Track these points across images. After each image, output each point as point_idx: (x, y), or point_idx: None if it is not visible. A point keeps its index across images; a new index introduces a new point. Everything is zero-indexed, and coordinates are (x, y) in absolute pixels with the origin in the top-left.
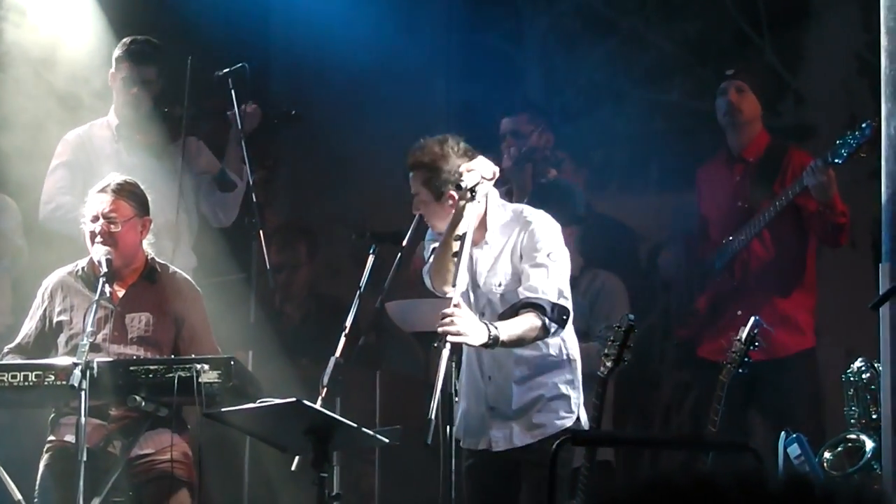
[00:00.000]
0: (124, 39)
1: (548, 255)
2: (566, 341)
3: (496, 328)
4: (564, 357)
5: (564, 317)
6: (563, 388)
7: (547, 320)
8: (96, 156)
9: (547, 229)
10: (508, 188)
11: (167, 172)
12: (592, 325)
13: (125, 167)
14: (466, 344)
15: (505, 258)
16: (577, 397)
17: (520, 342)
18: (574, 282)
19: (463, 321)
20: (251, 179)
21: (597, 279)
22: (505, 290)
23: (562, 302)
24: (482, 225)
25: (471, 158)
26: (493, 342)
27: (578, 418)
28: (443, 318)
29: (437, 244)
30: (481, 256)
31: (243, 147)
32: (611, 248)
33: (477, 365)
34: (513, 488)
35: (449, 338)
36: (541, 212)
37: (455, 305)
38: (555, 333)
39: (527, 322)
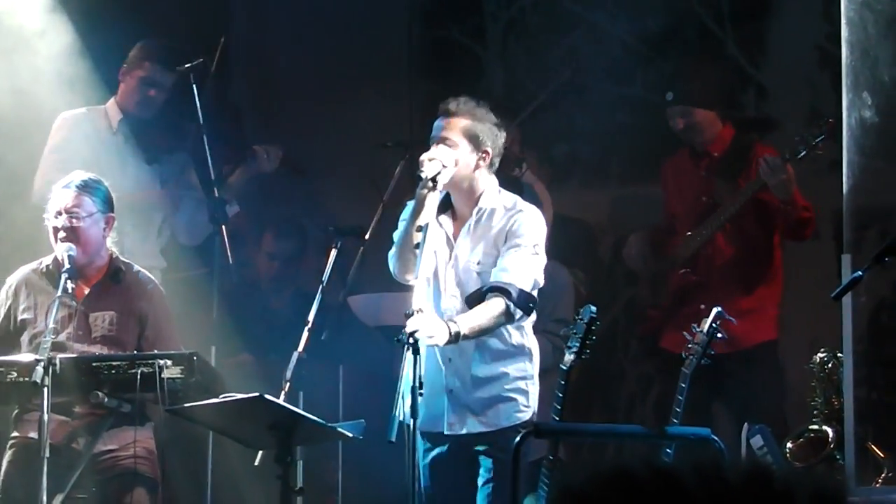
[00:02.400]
0: (148, 39)
1: (533, 246)
2: (527, 335)
3: (456, 324)
4: (526, 350)
5: (531, 304)
6: (522, 383)
7: (512, 305)
8: (95, 140)
9: (536, 222)
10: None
11: (156, 179)
12: (537, 318)
13: (119, 161)
14: (432, 345)
15: (489, 240)
16: (535, 392)
17: (484, 331)
18: None
19: (429, 325)
20: (213, 175)
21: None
22: (481, 270)
23: (532, 291)
24: (473, 204)
25: (500, 131)
26: (455, 338)
27: (534, 413)
28: (409, 323)
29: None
30: (464, 234)
31: (207, 159)
32: (570, 246)
33: (437, 350)
34: (470, 478)
35: (421, 341)
36: (534, 206)
37: (419, 311)
38: (520, 319)
39: (490, 309)
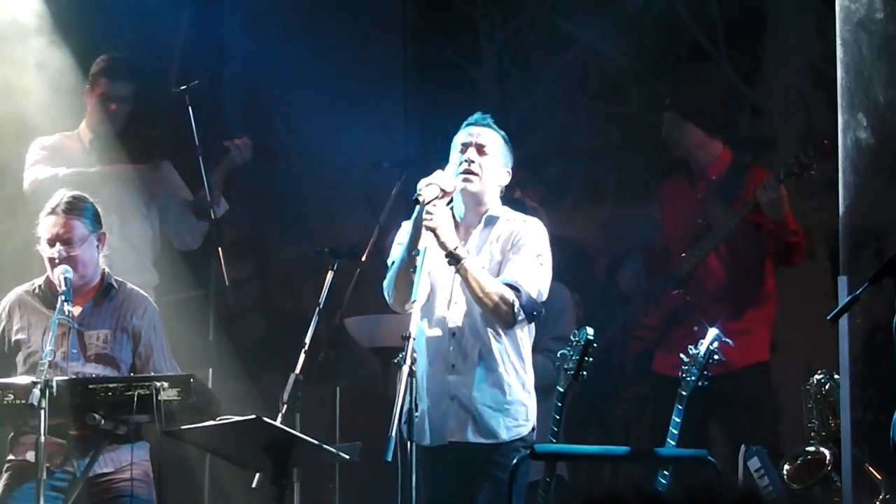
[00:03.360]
0: (102, 56)
1: (537, 255)
2: (525, 356)
3: (468, 254)
4: (525, 368)
5: (535, 312)
6: (523, 395)
7: (517, 303)
8: (71, 163)
9: (540, 233)
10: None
11: (135, 191)
12: (537, 337)
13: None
14: (435, 236)
15: (494, 248)
16: (534, 406)
17: (480, 289)
18: None
19: (440, 218)
20: (208, 195)
21: None
22: None
23: (538, 299)
24: (480, 215)
25: (509, 172)
26: (456, 259)
27: (534, 428)
28: (427, 191)
29: (398, 252)
30: (471, 242)
31: (203, 178)
32: (564, 266)
33: (442, 355)
34: (468, 497)
35: (425, 223)
36: (535, 218)
37: (434, 204)
38: (519, 322)
39: (500, 286)
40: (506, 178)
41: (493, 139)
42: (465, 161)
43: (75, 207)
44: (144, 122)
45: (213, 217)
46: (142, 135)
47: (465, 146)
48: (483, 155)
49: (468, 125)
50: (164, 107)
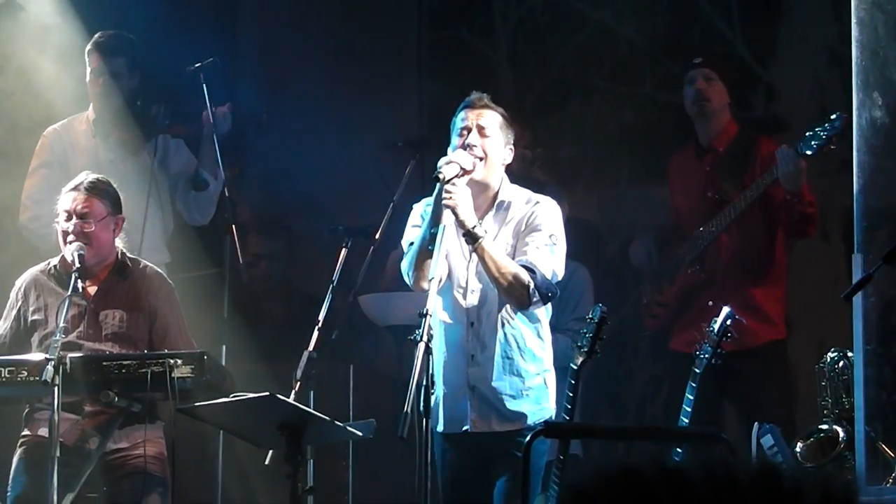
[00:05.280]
0: (96, 34)
1: (549, 236)
2: (544, 337)
3: (486, 233)
4: (544, 349)
5: (549, 294)
6: (544, 378)
7: (533, 285)
8: (74, 150)
9: (553, 212)
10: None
11: (142, 170)
12: (559, 317)
13: (101, 162)
14: (454, 214)
15: (507, 230)
16: (554, 390)
17: (496, 269)
18: None
19: (460, 196)
20: (223, 174)
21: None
22: None
23: (552, 280)
24: (491, 197)
25: (511, 149)
26: (474, 238)
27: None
28: (447, 169)
29: (414, 235)
30: (485, 225)
31: (216, 146)
32: (578, 247)
33: (460, 345)
34: (488, 478)
35: (445, 201)
36: (547, 197)
37: (453, 183)
38: (535, 304)
39: (516, 267)
40: (509, 156)
41: (492, 119)
42: (468, 146)
43: (98, 188)
44: (147, 99)
45: (209, 185)
46: (143, 112)
47: (466, 130)
48: (485, 137)
49: (465, 107)
50: (171, 82)
